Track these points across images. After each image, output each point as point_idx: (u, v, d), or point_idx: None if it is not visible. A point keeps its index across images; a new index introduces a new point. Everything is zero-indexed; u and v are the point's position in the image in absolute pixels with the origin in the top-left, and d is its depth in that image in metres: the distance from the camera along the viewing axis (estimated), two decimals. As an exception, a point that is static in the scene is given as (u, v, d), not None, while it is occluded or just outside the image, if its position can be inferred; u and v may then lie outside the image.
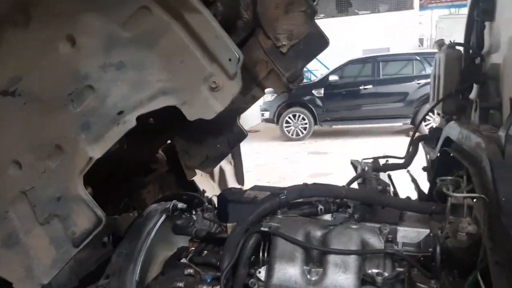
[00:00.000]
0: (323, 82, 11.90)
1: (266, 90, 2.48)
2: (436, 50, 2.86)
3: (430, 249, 1.73)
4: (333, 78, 11.78)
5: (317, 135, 12.00)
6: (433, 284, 1.62)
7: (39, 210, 1.34)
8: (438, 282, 1.62)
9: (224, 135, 2.96)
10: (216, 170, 3.63)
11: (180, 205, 2.25)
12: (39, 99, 1.27)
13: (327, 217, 1.92)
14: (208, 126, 2.87)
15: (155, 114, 2.58)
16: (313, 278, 1.57)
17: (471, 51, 2.29)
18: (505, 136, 1.51)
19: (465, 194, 1.51)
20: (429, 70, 10.74)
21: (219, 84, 1.27)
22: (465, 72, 2.33)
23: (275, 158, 9.27)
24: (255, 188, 2.30)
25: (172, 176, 3.27)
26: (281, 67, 2.22)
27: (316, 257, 1.63)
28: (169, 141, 3.09)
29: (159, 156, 3.11)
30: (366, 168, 2.45)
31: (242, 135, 2.93)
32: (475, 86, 2.28)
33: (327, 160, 8.51)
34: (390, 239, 1.69)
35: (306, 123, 11.82)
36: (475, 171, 1.59)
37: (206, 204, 2.24)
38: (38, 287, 1.43)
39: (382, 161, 2.62)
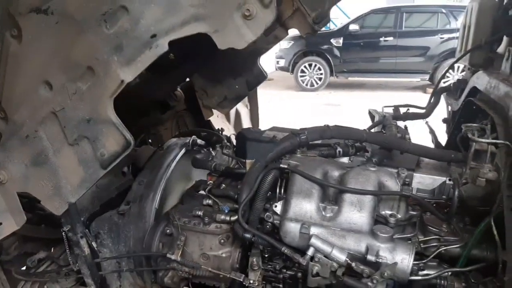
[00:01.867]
0: (343, 31, 11.50)
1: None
2: (462, 3, 2.73)
3: (444, 196, 1.77)
4: (353, 27, 11.37)
5: (332, 86, 11.80)
6: (445, 228, 1.66)
7: (69, 131, 1.37)
8: (449, 227, 1.66)
9: (243, 76, 2.93)
10: (232, 112, 3.63)
11: (199, 141, 2.29)
12: (72, 18, 1.26)
13: (345, 159, 1.94)
14: (228, 66, 2.85)
15: (176, 49, 2.57)
16: (328, 215, 1.62)
17: (505, 1, 2.19)
18: (536, 86, 1.48)
19: (489, 140, 1.50)
20: (454, 24, 10.30)
21: (253, 12, 1.24)
22: (498, 23, 2.24)
23: (287, 108, 9.21)
24: (274, 128, 2.31)
25: (189, 115, 3.30)
26: (307, 6, 2.13)
27: (332, 195, 1.66)
28: (188, 79, 3.08)
29: (178, 94, 3.12)
30: (386, 115, 2.44)
31: (261, 76, 2.90)
32: (504, 38, 2.20)
33: (340, 112, 8.44)
34: (407, 182, 1.71)
35: (321, 74, 11.58)
36: (501, 120, 1.57)
37: (225, 141, 2.27)
38: (65, 205, 1.50)
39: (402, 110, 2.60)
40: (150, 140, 3.13)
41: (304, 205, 1.63)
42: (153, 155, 2.15)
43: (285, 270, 1.70)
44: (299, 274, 1.65)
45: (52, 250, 2.07)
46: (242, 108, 3.72)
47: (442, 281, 1.50)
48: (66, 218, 1.59)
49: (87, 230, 1.71)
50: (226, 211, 1.77)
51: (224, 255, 1.73)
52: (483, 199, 1.62)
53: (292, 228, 1.59)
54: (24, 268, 2.02)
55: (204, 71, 2.88)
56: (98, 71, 1.28)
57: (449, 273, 1.52)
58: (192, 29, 1.23)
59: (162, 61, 2.59)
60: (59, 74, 1.32)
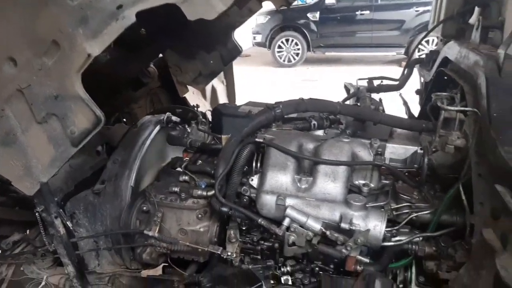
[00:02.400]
0: (319, 5, 11.39)
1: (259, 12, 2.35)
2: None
3: (415, 165, 1.81)
4: (329, 1, 11.26)
5: (309, 61, 11.77)
6: (416, 195, 1.71)
7: (36, 108, 1.33)
8: (420, 194, 1.72)
9: (217, 50, 2.89)
10: (208, 88, 3.60)
11: (174, 118, 2.26)
12: (34, -10, 1.20)
13: (320, 132, 1.96)
14: (202, 40, 2.80)
15: (147, 24, 2.50)
16: (303, 186, 1.64)
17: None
18: (504, 54, 1.51)
19: (458, 108, 1.54)
20: (429, -3, 10.32)
21: (222, -20, 1.20)
22: (469, -7, 2.25)
23: (264, 84, 9.17)
24: (250, 103, 2.30)
25: (164, 92, 3.25)
26: (280, -22, 2.11)
27: (307, 167, 1.69)
28: (160, 55, 3.02)
29: (151, 70, 3.06)
30: (361, 88, 2.46)
31: (236, 51, 2.87)
32: (476, 9, 2.22)
33: (317, 87, 8.46)
34: (379, 152, 1.74)
35: (299, 49, 11.53)
36: (470, 88, 1.60)
37: (201, 117, 2.25)
38: (37, 185, 1.47)
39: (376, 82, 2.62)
40: (124, 119, 3.07)
41: (280, 178, 1.65)
42: (127, 133, 2.12)
43: (262, 242, 1.73)
44: (276, 245, 1.69)
45: (27, 232, 2.04)
46: (218, 84, 3.69)
47: (414, 246, 1.55)
48: (39, 199, 1.56)
49: (61, 210, 1.69)
50: (203, 186, 1.78)
51: (202, 229, 1.74)
52: (452, 167, 1.67)
53: (268, 200, 1.61)
54: (-1, 251, 1.99)
55: (177, 47, 2.82)
56: (63, 45, 1.23)
57: (420, 238, 1.57)
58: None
59: (133, 37, 2.54)
60: (24, 50, 1.26)
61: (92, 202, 1.88)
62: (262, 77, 10.13)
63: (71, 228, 1.75)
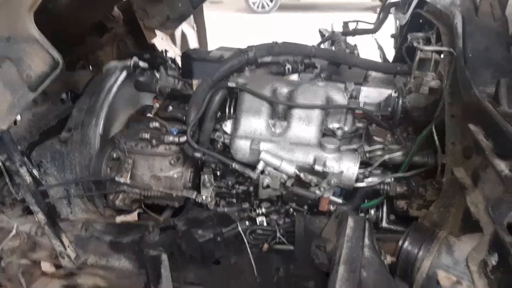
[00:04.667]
0: None
1: None
2: None
3: (389, 109, 1.81)
4: None
5: (284, 8, 11.44)
6: (389, 138, 1.72)
7: (-13, 50, 1.22)
8: (393, 136, 1.73)
9: (185, -8, 2.73)
10: (178, 33, 3.43)
11: (142, 63, 2.15)
12: None
13: (294, 76, 1.91)
14: (168, -19, 2.63)
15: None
16: (277, 131, 1.62)
17: None
18: (481, -7, 1.48)
19: (434, 48, 1.52)
20: None
21: None
22: None
23: (237, 31, 8.89)
24: (221, 48, 2.21)
25: (131, 37, 3.07)
26: None
27: (281, 111, 1.66)
28: (125, -2, 2.82)
29: (116, 14, 2.87)
30: (335, 31, 2.39)
31: (206, -8, 2.71)
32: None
33: (292, 35, 8.28)
34: (354, 96, 1.72)
35: (272, -6, 11.17)
36: (446, 29, 1.58)
37: (170, 62, 2.15)
38: (-4, 132, 1.38)
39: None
40: (90, 67, 2.92)
41: (254, 123, 1.62)
42: (92, 80, 2.01)
43: (237, 186, 1.72)
44: (251, 188, 1.69)
45: (-8, 183, 1.96)
46: (188, 29, 3.53)
47: (385, 186, 1.59)
48: (0, 148, 1.48)
49: (25, 158, 1.61)
50: (175, 132, 1.73)
51: (175, 175, 1.71)
52: (425, 109, 1.67)
53: (242, 145, 1.59)
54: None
55: (142, -12, 2.64)
56: None
57: (392, 178, 1.60)
58: None
59: (93, -24, 2.34)
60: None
61: (59, 151, 1.81)
62: (235, 24, 9.81)
63: (37, 176, 1.68)
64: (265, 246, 1.61)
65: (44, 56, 1.24)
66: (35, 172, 1.65)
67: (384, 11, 2.67)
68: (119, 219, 1.74)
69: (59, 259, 1.75)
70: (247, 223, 1.61)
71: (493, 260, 0.82)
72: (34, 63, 1.26)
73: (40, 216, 1.59)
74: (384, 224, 1.65)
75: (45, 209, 1.59)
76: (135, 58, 2.09)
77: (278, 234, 1.60)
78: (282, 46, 1.80)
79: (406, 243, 1.05)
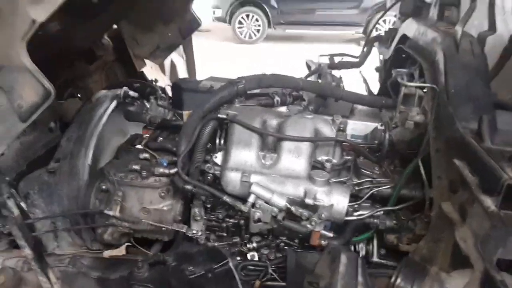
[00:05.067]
0: (279, -19, 11.30)
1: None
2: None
3: (376, 141, 1.85)
4: (289, -23, 11.20)
5: (270, 39, 11.69)
6: (377, 171, 1.75)
7: (-21, 81, 1.22)
8: (380, 169, 1.76)
9: (175, 22, 2.78)
10: (167, 63, 3.48)
11: (132, 92, 2.16)
12: None
13: (283, 109, 1.94)
14: (158, 11, 2.68)
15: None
16: (268, 163, 1.64)
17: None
18: (461, 32, 1.55)
19: (417, 84, 1.57)
20: (386, -25, 10.44)
21: None
22: (426, -28, 2.28)
23: (225, 61, 9.02)
24: (211, 78, 2.25)
25: (120, 66, 3.10)
26: None
27: (271, 143, 1.68)
28: (115, 26, 2.86)
29: (105, 42, 2.90)
30: (322, 64, 2.46)
31: (195, 23, 2.78)
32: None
33: (279, 64, 8.44)
34: (341, 128, 1.76)
35: (259, 25, 11.42)
36: (428, 65, 1.64)
37: (160, 92, 2.17)
38: (-16, 163, 1.36)
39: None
40: (79, 95, 2.92)
41: (244, 154, 1.63)
42: (82, 109, 2.00)
43: (227, 219, 1.72)
44: (242, 222, 1.68)
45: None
46: (178, 58, 3.58)
47: (375, 220, 1.60)
48: (-13, 179, 1.46)
49: (13, 190, 1.59)
50: (165, 164, 1.72)
51: (165, 208, 1.70)
52: (411, 142, 1.72)
53: (233, 178, 1.59)
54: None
55: (132, 17, 2.68)
56: (5, 10, 1.12)
57: (381, 212, 1.62)
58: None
59: (84, 5, 2.38)
60: (-40, 16, 1.14)
61: (47, 182, 1.78)
62: (223, 53, 9.95)
63: (25, 209, 1.65)
64: (257, 283, 1.59)
65: (35, 86, 1.25)
66: (23, 204, 1.62)
67: (368, 45, 2.77)
68: (107, 253, 1.70)
69: (45, 296, 1.70)
70: (238, 258, 1.60)
71: (485, 298, 0.84)
72: (26, 93, 1.26)
73: (27, 251, 1.55)
74: (375, 258, 1.65)
75: (32, 243, 1.56)
76: (125, 88, 2.10)
77: (269, 270, 1.59)
78: (271, 79, 1.84)
79: (399, 280, 1.06)
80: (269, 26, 11.43)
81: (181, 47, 3.36)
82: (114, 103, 1.99)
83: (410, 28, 2.06)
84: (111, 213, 1.62)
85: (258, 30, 11.46)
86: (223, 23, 11.85)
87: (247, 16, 11.40)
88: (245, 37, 11.52)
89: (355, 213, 1.62)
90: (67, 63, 2.67)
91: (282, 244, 1.68)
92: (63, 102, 2.25)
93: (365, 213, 1.61)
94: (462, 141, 1.25)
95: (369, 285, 1.03)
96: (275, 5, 11.19)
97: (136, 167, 1.69)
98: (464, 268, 0.99)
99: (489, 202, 0.99)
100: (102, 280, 1.70)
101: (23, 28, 1.14)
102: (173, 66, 3.54)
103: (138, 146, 1.90)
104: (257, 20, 11.37)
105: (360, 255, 1.69)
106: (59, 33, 2.14)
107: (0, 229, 1.73)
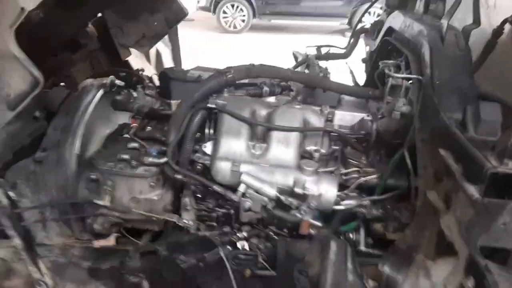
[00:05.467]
0: (264, -30, 11.24)
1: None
2: None
3: (363, 132, 1.89)
4: (274, -33, 11.14)
5: (254, 29, 11.63)
6: (364, 160, 1.79)
7: (-34, 68, 1.19)
8: (367, 159, 1.79)
9: (161, 12, 2.75)
10: (153, 52, 3.44)
11: (118, 81, 2.13)
12: None
13: (271, 99, 1.96)
14: (144, 0, 2.65)
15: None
16: (257, 152, 1.65)
17: None
18: (447, 25, 1.58)
19: (404, 75, 1.60)
20: (371, -33, 10.48)
21: None
22: (411, -37, 2.31)
23: (210, 50, 8.95)
24: (198, 68, 2.24)
25: (105, 55, 3.05)
26: None
27: (260, 133, 1.70)
28: (100, 15, 2.81)
29: (90, 31, 2.85)
30: (309, 55, 2.48)
31: (181, 12, 2.75)
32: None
33: (264, 55, 8.42)
34: (329, 119, 1.79)
35: (244, 15, 11.36)
36: (414, 57, 1.67)
37: (147, 81, 2.15)
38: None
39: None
40: (62, 84, 2.86)
41: (234, 144, 1.65)
42: (68, 98, 1.98)
43: (218, 209, 1.73)
44: (232, 211, 1.70)
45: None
46: (163, 48, 3.54)
47: (362, 209, 1.64)
48: (-25, 168, 1.44)
49: (2, 179, 1.56)
50: (154, 153, 1.72)
51: (155, 197, 1.70)
52: (397, 133, 1.75)
53: (223, 167, 1.61)
54: None
55: (117, 6, 2.64)
56: None
57: (368, 201, 1.65)
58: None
59: (69, -7, 2.33)
60: None
61: (34, 171, 1.75)
62: (207, 43, 9.87)
63: (14, 198, 1.63)
64: (247, 271, 1.61)
65: (24, 75, 1.23)
66: (11, 194, 1.59)
67: (355, 37, 2.79)
68: (97, 243, 1.70)
69: (35, 287, 1.69)
70: (228, 247, 1.62)
71: (470, 283, 0.87)
72: (14, 81, 1.24)
73: (17, 241, 1.54)
74: (362, 247, 1.68)
75: (21, 233, 1.54)
76: (112, 77, 2.08)
77: (260, 259, 1.61)
78: (260, 69, 1.85)
79: (386, 267, 1.10)
80: (254, 16, 11.38)
81: (166, 36, 3.33)
82: (100, 92, 1.96)
83: (396, 20, 2.08)
84: (101, 202, 1.62)
85: (243, 20, 11.40)
86: (208, 13, 11.73)
87: (232, 6, 11.31)
88: (229, 26, 11.44)
89: (343, 202, 1.65)
90: (50, 52, 2.62)
91: (271, 233, 1.70)
92: (48, 91, 2.20)
93: (352, 202, 1.64)
94: (446, 131, 1.29)
95: (358, 272, 1.06)
96: (260, -5, 11.14)
97: (126, 156, 1.69)
98: (449, 256, 1.03)
99: (472, 190, 1.03)
100: (93, 270, 1.70)
101: (12, 16, 1.13)
102: (158, 55, 3.51)
103: (127, 136, 1.89)
104: (242, 10, 11.30)
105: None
106: (42, 20, 2.10)
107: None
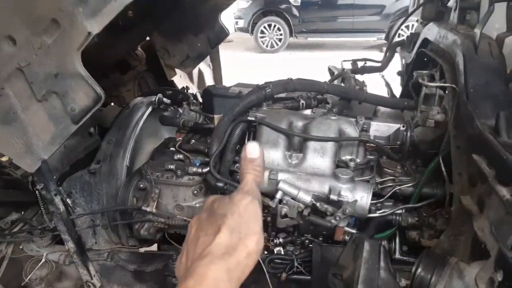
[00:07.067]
0: (301, -11, 11.44)
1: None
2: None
3: (398, 142, 1.91)
4: (311, -14, 11.33)
5: (292, 47, 11.82)
6: (399, 169, 1.81)
7: (36, 86, 1.35)
8: (403, 168, 1.82)
9: (204, 33, 2.92)
10: (195, 72, 3.62)
11: (165, 99, 2.30)
12: (32, -31, 1.22)
13: (308, 111, 2.03)
14: (188, 23, 2.83)
15: (135, 5, 2.52)
16: (294, 162, 1.72)
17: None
18: (480, 34, 1.61)
19: (438, 84, 1.63)
20: (409, -18, 10.43)
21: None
22: (448, -23, 2.34)
23: (248, 70, 9.18)
24: (239, 85, 2.36)
25: (151, 75, 3.27)
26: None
27: (297, 144, 1.77)
28: (148, 38, 3.03)
29: (139, 53, 3.07)
30: (345, 69, 2.54)
31: (223, 33, 2.91)
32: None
33: (301, 72, 8.52)
34: (365, 129, 1.83)
35: (281, 34, 11.57)
36: (449, 66, 1.70)
37: (192, 98, 2.30)
38: (38, 162, 1.51)
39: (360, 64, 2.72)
40: (112, 103, 3.09)
41: (272, 154, 1.72)
42: (120, 114, 2.16)
43: (255, 215, 1.80)
44: (269, 219, 1.77)
45: (23, 213, 2.07)
46: (205, 68, 3.72)
47: (397, 217, 1.66)
48: (38, 177, 1.61)
49: (60, 187, 1.73)
50: (198, 164, 1.84)
51: (197, 205, 1.81)
52: (432, 142, 1.77)
53: (261, 176, 1.68)
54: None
55: (164, 29, 2.84)
56: (64, 23, 1.26)
57: (403, 209, 1.68)
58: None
59: (121, 19, 2.54)
60: (23, 29, 1.28)
61: (88, 182, 1.92)
62: (246, 63, 10.13)
63: (70, 205, 1.79)
64: (283, 275, 1.67)
65: (88, 91, 1.38)
66: (68, 201, 1.76)
67: (391, 50, 2.83)
68: (143, 249, 1.82)
69: (83, 289, 1.83)
70: (265, 252, 1.69)
71: (499, 276, 0.90)
72: (78, 97, 1.39)
73: (71, 245, 1.69)
74: (397, 255, 1.69)
75: (75, 238, 1.69)
76: (159, 95, 2.25)
77: (295, 263, 1.66)
78: (297, 83, 1.93)
79: (419, 269, 1.12)
80: (290, 35, 11.56)
81: (208, 56, 3.50)
82: (149, 109, 2.14)
83: (432, 31, 2.11)
84: (148, 209, 1.75)
85: (280, 39, 11.60)
86: (245, 33, 12.05)
87: (269, 25, 11.57)
88: (267, 46, 11.68)
89: (378, 211, 1.68)
90: (103, 73, 2.85)
91: (307, 241, 1.75)
92: (102, 109, 2.41)
93: (387, 210, 1.67)
94: (480, 137, 1.31)
95: (391, 270, 1.10)
96: (297, 14, 11.32)
97: (172, 167, 1.82)
98: (483, 260, 1.05)
99: (504, 192, 1.05)
100: (139, 273, 1.81)
101: (79, 40, 1.28)
102: (200, 74, 3.68)
103: (172, 149, 2.03)
104: (279, 29, 11.52)
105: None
106: (96, 45, 2.31)
107: (45, 225, 1.89)
